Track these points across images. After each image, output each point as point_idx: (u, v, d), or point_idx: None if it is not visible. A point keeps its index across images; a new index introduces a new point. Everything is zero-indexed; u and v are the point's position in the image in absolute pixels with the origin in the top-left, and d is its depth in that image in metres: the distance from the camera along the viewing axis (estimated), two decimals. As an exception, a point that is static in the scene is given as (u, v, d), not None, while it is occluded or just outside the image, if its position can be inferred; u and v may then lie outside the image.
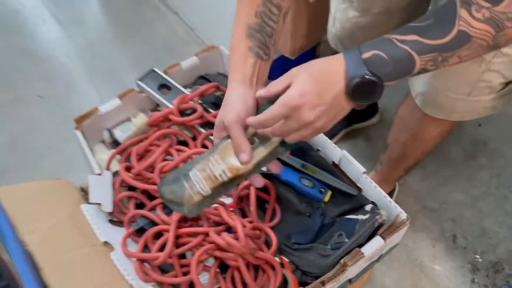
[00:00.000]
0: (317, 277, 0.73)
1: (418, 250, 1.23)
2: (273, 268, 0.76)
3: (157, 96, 0.93)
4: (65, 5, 1.94)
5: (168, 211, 0.82)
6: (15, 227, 0.70)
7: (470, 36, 0.53)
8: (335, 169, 0.86)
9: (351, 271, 0.75)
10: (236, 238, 0.74)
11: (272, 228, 0.82)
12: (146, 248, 0.79)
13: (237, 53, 0.67)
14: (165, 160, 0.87)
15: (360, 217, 0.78)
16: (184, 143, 0.91)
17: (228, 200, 0.84)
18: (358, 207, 0.81)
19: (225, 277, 0.77)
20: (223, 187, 0.63)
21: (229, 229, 0.80)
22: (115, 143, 0.95)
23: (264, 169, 0.82)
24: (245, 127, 0.63)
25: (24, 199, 0.79)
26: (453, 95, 0.82)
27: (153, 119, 0.88)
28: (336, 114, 0.59)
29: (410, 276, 1.19)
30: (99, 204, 0.81)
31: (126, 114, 0.96)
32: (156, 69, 0.96)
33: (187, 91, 0.95)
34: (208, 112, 0.92)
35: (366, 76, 0.55)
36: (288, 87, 0.57)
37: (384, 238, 0.75)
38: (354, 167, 0.83)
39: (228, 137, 0.63)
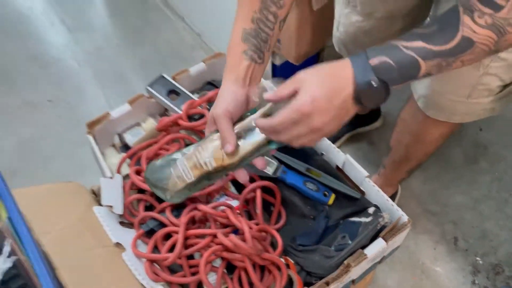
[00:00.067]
0: (321, 278, 0.74)
1: (420, 252, 1.24)
2: (279, 268, 0.77)
3: (166, 101, 0.96)
4: (73, 11, 1.96)
5: (176, 213, 0.84)
6: (30, 228, 0.72)
7: (473, 41, 0.54)
8: (338, 173, 0.87)
9: (355, 272, 0.76)
10: (243, 240, 0.75)
11: (278, 230, 0.83)
12: (155, 249, 0.81)
13: (232, 55, 0.69)
14: None
15: (363, 219, 0.79)
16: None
17: (235, 203, 0.86)
18: (361, 210, 0.82)
19: (232, 277, 0.79)
20: (207, 177, 0.65)
21: (236, 231, 0.81)
22: (125, 147, 0.97)
23: (268, 172, 0.84)
24: (234, 122, 0.65)
25: (38, 201, 0.81)
26: (453, 97, 0.84)
27: (162, 124, 0.91)
28: (343, 118, 0.60)
29: (412, 278, 1.20)
30: (110, 206, 0.83)
31: (136, 119, 0.98)
32: (165, 75, 0.98)
33: (195, 97, 0.97)
34: (215, 117, 0.94)
35: (374, 82, 0.56)
36: (295, 91, 0.58)
37: (386, 240, 0.76)
38: (357, 171, 0.84)
39: (218, 131, 0.65)
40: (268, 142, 0.64)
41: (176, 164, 0.65)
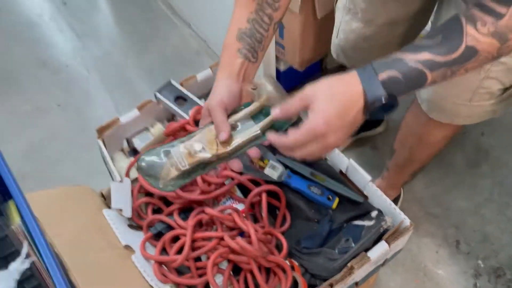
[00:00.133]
0: (325, 280, 0.75)
1: (422, 255, 1.25)
2: (284, 271, 0.78)
3: (174, 107, 0.98)
4: (81, 17, 1.99)
5: (184, 216, 0.86)
6: (43, 231, 0.74)
7: (477, 50, 0.55)
8: (342, 177, 0.88)
9: (358, 274, 0.77)
10: (249, 243, 0.76)
11: (283, 233, 0.85)
12: (163, 251, 0.82)
13: (227, 53, 0.70)
14: None
15: (366, 223, 0.80)
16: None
17: (241, 207, 0.87)
18: (364, 214, 0.83)
19: (238, 279, 0.80)
20: (201, 166, 0.65)
21: (242, 234, 0.83)
22: (133, 151, 0.99)
23: (273, 176, 0.86)
24: (228, 114, 0.66)
25: (50, 204, 0.82)
26: (456, 101, 0.86)
27: (170, 129, 0.92)
28: (352, 130, 0.61)
29: (414, 280, 1.21)
30: (120, 209, 0.85)
31: (144, 124, 1.00)
32: (173, 81, 1.01)
33: (202, 103, 0.99)
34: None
35: (384, 97, 0.57)
36: (305, 107, 0.59)
37: (389, 243, 0.77)
38: (360, 176, 0.85)
39: (212, 123, 0.66)
40: (263, 133, 0.65)
41: (170, 153, 0.65)
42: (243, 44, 0.69)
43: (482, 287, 1.19)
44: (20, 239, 0.61)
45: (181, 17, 1.92)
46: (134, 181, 0.92)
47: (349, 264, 0.75)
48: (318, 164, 0.90)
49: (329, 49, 1.15)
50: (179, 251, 0.81)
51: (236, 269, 0.82)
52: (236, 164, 0.68)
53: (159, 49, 1.84)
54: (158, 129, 1.00)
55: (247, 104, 0.69)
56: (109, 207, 0.87)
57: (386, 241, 0.77)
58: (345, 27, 1.02)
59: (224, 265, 0.81)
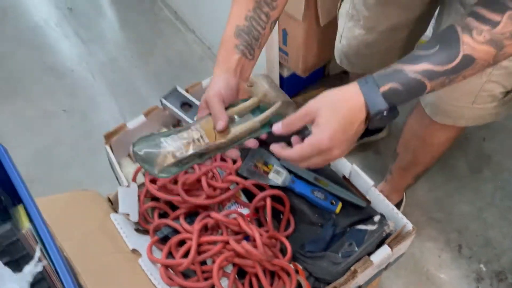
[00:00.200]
0: (329, 283, 0.76)
1: (425, 259, 1.26)
2: (288, 274, 0.80)
3: (180, 113, 0.99)
4: (86, 23, 2.00)
5: (190, 220, 0.87)
6: (53, 235, 0.76)
7: (474, 58, 0.56)
8: (345, 182, 0.89)
9: (361, 278, 0.78)
10: (254, 246, 0.78)
11: (287, 237, 0.86)
12: (169, 254, 0.84)
13: (224, 48, 0.71)
14: (187, 173, 0.91)
15: (369, 227, 0.81)
16: (204, 157, 0.96)
17: (245, 211, 0.88)
18: (367, 218, 0.84)
19: (243, 282, 0.81)
20: (198, 155, 0.65)
21: (247, 238, 0.84)
22: (140, 157, 1.01)
23: (278, 181, 0.87)
24: (226, 106, 0.67)
25: (58, 209, 0.83)
26: (459, 104, 0.88)
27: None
28: (354, 140, 0.62)
29: (417, 284, 1.22)
30: (127, 214, 0.86)
31: (150, 129, 1.01)
32: (178, 88, 1.02)
33: (207, 109, 1.01)
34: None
35: (386, 110, 0.58)
36: (308, 122, 0.60)
37: (391, 247, 0.78)
38: (363, 181, 0.86)
39: (210, 114, 0.67)
40: (262, 126, 0.66)
41: (167, 140, 0.65)
42: (241, 40, 0.70)
43: (484, 291, 1.20)
44: (31, 243, 0.62)
45: (185, 23, 1.93)
46: (141, 186, 0.93)
47: (352, 268, 0.76)
48: (322, 169, 0.91)
49: (332, 56, 1.16)
50: (185, 254, 0.82)
51: (241, 273, 0.83)
52: (234, 152, 0.69)
53: (164, 54, 1.85)
54: (164, 134, 1.01)
55: (244, 100, 0.70)
56: (116, 211, 0.88)
57: (389, 245, 0.78)
58: (348, 33, 1.03)
59: (229, 268, 0.83)
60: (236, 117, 0.67)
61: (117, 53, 1.88)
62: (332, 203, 0.86)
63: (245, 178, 0.88)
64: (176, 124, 1.05)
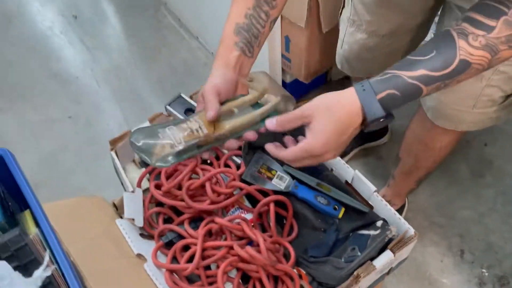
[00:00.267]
0: None
1: (427, 264, 1.26)
2: (291, 279, 0.80)
3: (184, 119, 1.00)
4: (91, 30, 2.02)
5: (194, 225, 0.88)
6: (60, 240, 0.77)
7: (470, 63, 0.57)
8: (348, 188, 0.90)
9: (364, 283, 0.78)
10: (258, 251, 0.78)
11: (290, 242, 0.86)
12: (174, 259, 0.84)
13: (224, 45, 0.71)
14: (191, 178, 0.92)
15: (372, 232, 0.82)
16: (209, 163, 0.97)
17: (249, 216, 0.89)
18: (370, 223, 0.84)
19: (247, 287, 0.82)
20: (195, 145, 0.65)
21: (250, 243, 0.84)
22: (145, 162, 1.02)
23: (281, 187, 0.87)
24: (222, 99, 0.68)
25: (64, 214, 0.84)
26: (459, 108, 0.89)
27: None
28: (347, 144, 0.63)
29: (419, 289, 1.23)
30: (132, 219, 0.87)
31: (155, 136, 1.03)
32: (183, 95, 1.03)
33: (211, 115, 1.02)
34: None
35: (382, 116, 0.59)
36: (302, 125, 0.61)
37: (394, 252, 0.78)
38: (365, 186, 0.87)
39: None
40: (261, 119, 0.67)
41: (166, 130, 0.65)
42: (240, 38, 0.70)
43: (486, 296, 1.20)
44: (38, 248, 0.63)
45: (189, 30, 1.94)
46: (146, 191, 0.94)
47: (355, 273, 0.76)
48: (325, 175, 0.91)
49: (334, 62, 1.17)
50: (190, 259, 0.82)
51: (245, 278, 0.83)
52: (233, 143, 0.70)
53: (168, 61, 1.86)
54: (168, 141, 1.02)
55: (243, 96, 0.71)
56: (121, 217, 0.89)
57: (391, 250, 0.79)
58: (349, 38, 1.04)
59: (234, 273, 0.83)
60: (235, 110, 0.68)
61: (121, 60, 1.90)
62: (335, 208, 0.86)
63: (249, 184, 0.88)
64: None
